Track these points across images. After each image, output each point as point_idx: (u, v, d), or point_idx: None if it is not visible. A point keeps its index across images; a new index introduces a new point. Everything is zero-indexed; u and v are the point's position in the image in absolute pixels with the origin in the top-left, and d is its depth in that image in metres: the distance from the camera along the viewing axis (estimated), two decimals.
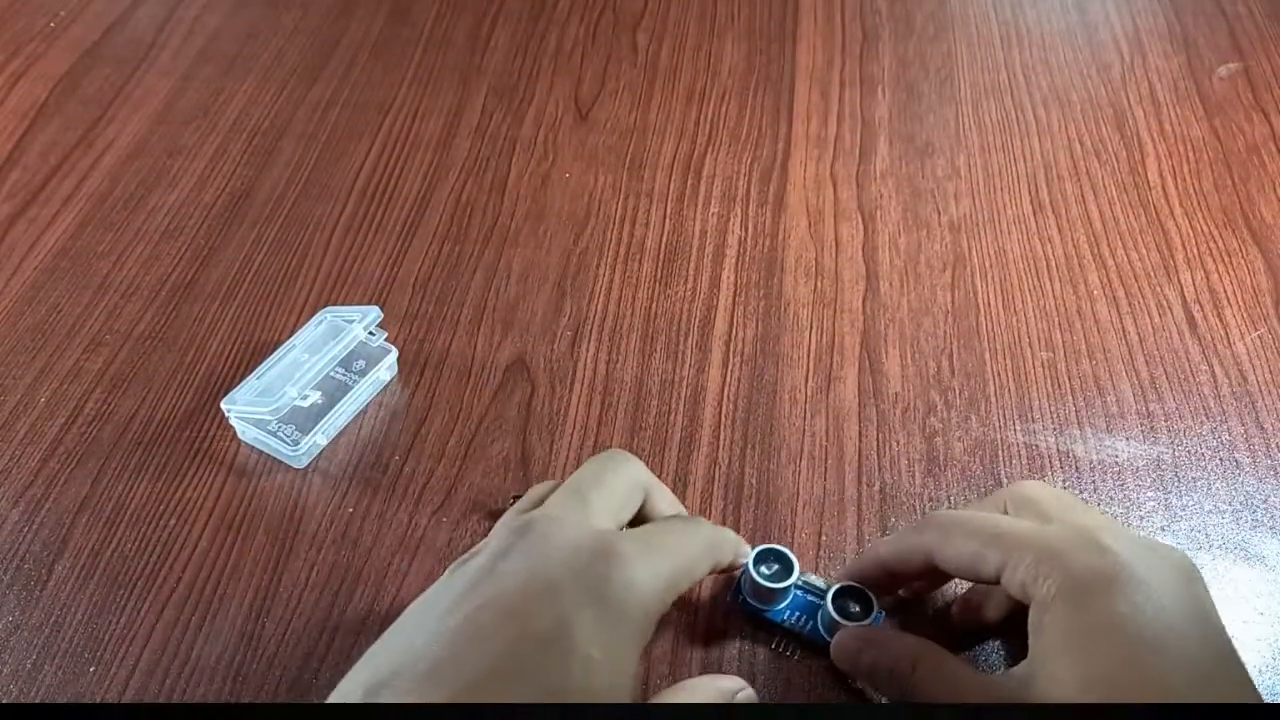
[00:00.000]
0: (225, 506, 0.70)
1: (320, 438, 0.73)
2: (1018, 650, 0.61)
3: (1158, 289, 0.84)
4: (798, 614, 0.58)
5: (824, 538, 0.68)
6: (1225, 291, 0.84)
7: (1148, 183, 0.93)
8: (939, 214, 0.90)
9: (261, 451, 0.73)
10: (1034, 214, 0.90)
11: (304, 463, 0.72)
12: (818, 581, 0.59)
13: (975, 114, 1.00)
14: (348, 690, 0.42)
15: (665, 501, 0.57)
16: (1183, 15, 1.12)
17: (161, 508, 0.69)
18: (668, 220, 0.89)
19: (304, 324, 0.77)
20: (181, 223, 0.89)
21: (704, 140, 0.97)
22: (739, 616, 0.62)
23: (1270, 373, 0.78)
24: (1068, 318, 0.82)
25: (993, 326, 0.81)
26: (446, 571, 0.49)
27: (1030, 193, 0.92)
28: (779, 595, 0.58)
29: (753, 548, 0.59)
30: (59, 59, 1.06)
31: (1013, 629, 0.55)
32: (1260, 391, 0.77)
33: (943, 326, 0.81)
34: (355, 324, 0.75)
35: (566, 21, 1.11)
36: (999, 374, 0.78)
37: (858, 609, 0.57)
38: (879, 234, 0.88)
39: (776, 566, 0.58)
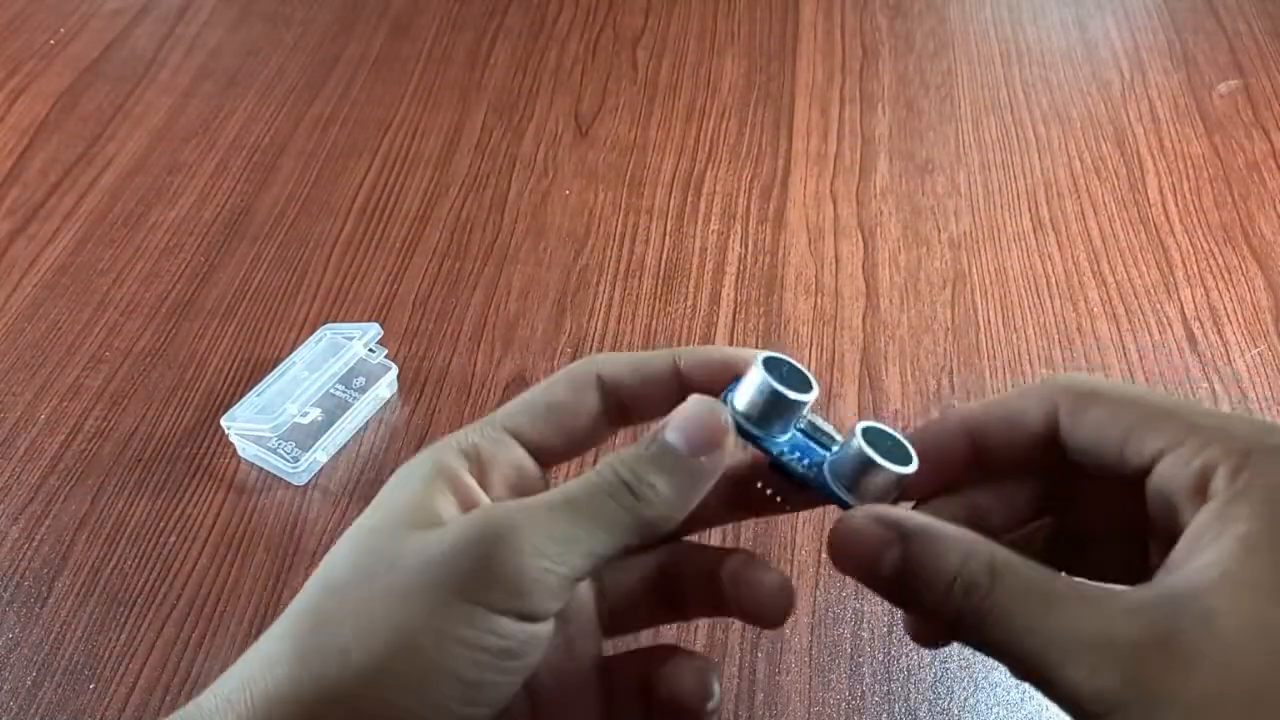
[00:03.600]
0: (225, 523, 0.69)
1: (320, 454, 0.73)
2: None
3: (1158, 306, 0.84)
4: (800, 455, 0.38)
5: (824, 555, 0.68)
6: (1225, 308, 0.84)
7: (1148, 200, 0.93)
8: (939, 231, 0.90)
9: (261, 468, 0.72)
10: (1034, 231, 0.90)
11: (304, 479, 0.72)
12: (829, 429, 0.39)
13: (975, 131, 1.00)
14: None
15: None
16: (1183, 32, 1.13)
17: (161, 525, 0.69)
18: (668, 237, 0.89)
19: (304, 341, 0.77)
20: (181, 240, 0.89)
21: (704, 157, 0.97)
22: None
23: (1270, 389, 0.78)
24: (1068, 335, 0.82)
25: (993, 344, 0.81)
26: None
27: (1030, 210, 0.92)
28: (785, 417, 0.38)
29: (759, 352, 0.38)
30: (59, 76, 1.06)
31: None
32: (1260, 408, 0.77)
33: (943, 344, 0.81)
34: (355, 341, 0.75)
35: (566, 39, 1.12)
36: (999, 391, 0.78)
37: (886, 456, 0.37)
38: (879, 251, 0.88)
39: (788, 378, 0.38)
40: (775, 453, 0.38)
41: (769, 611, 0.39)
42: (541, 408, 0.39)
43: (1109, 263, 0.87)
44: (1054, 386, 0.37)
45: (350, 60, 1.09)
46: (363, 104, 1.03)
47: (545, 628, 0.34)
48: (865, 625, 0.65)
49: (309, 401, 0.73)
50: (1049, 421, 0.36)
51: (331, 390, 0.75)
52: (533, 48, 1.10)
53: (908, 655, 0.63)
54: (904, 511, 0.35)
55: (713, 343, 0.80)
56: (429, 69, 1.07)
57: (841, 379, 0.78)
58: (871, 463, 0.36)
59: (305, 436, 0.72)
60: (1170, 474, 0.33)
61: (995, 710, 0.61)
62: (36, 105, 1.03)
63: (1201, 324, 0.83)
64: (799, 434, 0.39)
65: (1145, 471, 0.34)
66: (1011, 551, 0.33)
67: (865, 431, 0.36)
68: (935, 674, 0.63)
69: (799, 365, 0.38)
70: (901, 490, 0.37)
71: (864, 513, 0.35)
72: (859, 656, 0.63)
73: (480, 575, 0.32)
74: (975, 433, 0.38)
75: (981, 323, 0.82)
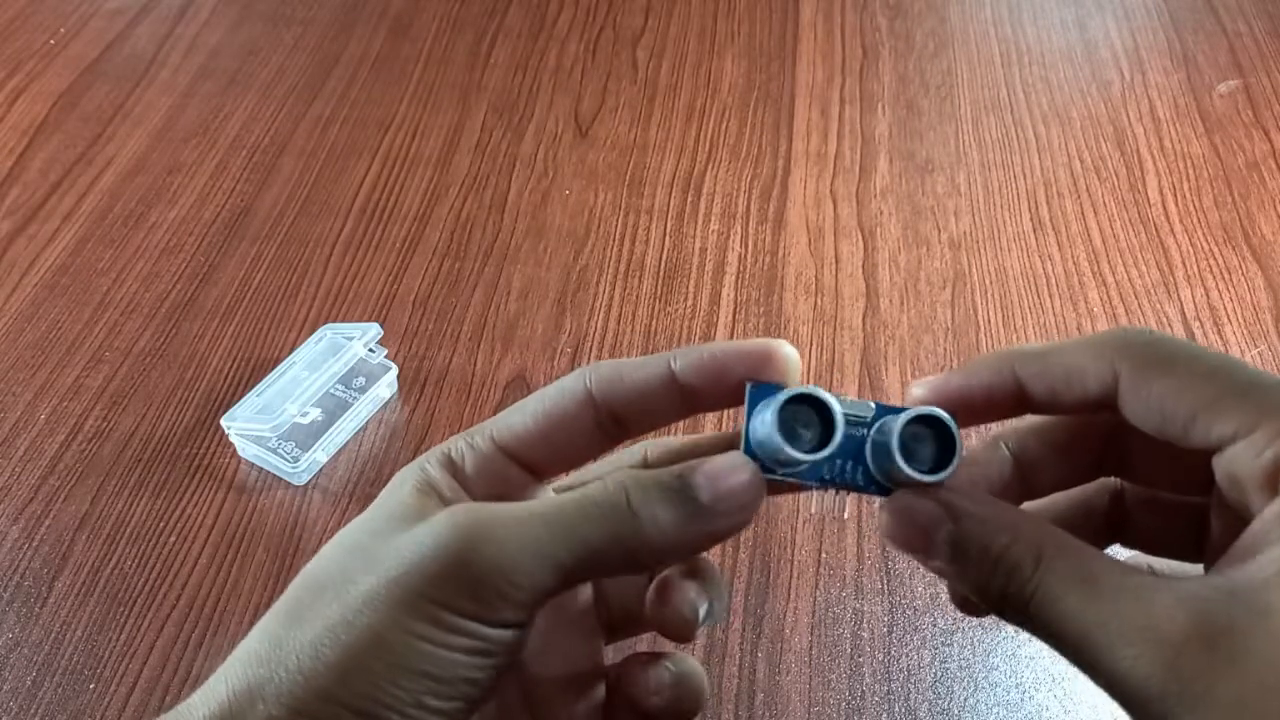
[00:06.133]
0: (225, 523, 0.69)
1: (320, 454, 0.73)
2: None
3: (1158, 306, 0.84)
4: (839, 462, 0.36)
5: (824, 555, 0.68)
6: (1225, 308, 0.84)
7: (1148, 200, 0.93)
8: (939, 231, 0.90)
9: (261, 468, 0.72)
10: (1034, 231, 0.90)
11: (304, 479, 0.72)
12: (858, 408, 0.36)
13: (975, 131, 1.00)
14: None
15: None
16: (1182, 32, 1.13)
17: (161, 524, 0.69)
18: (668, 237, 0.89)
19: (304, 341, 0.77)
20: (182, 240, 0.89)
21: (704, 157, 0.97)
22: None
23: None
24: (1068, 334, 0.82)
25: (993, 344, 0.81)
26: None
27: (1030, 210, 0.92)
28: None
29: (772, 398, 0.35)
30: (59, 76, 1.06)
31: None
32: None
33: (943, 344, 0.81)
34: (355, 341, 0.75)
35: (566, 39, 1.12)
36: None
37: (927, 457, 0.34)
38: (879, 251, 0.88)
39: (810, 429, 0.35)
40: (814, 483, 0.36)
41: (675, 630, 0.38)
42: (530, 420, 0.38)
43: (1109, 263, 0.87)
44: (1118, 347, 0.33)
45: (350, 60, 1.09)
46: (363, 104, 1.03)
47: (517, 631, 0.33)
48: (865, 625, 0.65)
49: (309, 401, 0.73)
50: (1108, 386, 0.33)
51: (331, 390, 0.75)
52: (533, 48, 1.10)
53: (908, 655, 0.63)
54: (954, 491, 0.34)
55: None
56: (429, 69, 1.07)
57: (841, 379, 0.78)
58: (907, 474, 0.34)
59: (305, 436, 0.72)
60: (1239, 461, 0.31)
61: (995, 710, 0.61)
62: (36, 105, 1.03)
63: (1201, 324, 0.83)
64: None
65: (1212, 450, 0.32)
66: (1062, 533, 0.32)
67: (905, 428, 0.34)
68: (935, 674, 0.63)
69: (819, 394, 0.34)
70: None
71: (914, 492, 0.34)
72: (859, 656, 0.63)
73: (447, 580, 0.32)
74: (1026, 380, 0.35)
75: (981, 323, 0.82)
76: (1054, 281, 0.86)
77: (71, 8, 1.15)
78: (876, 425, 0.36)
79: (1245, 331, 0.82)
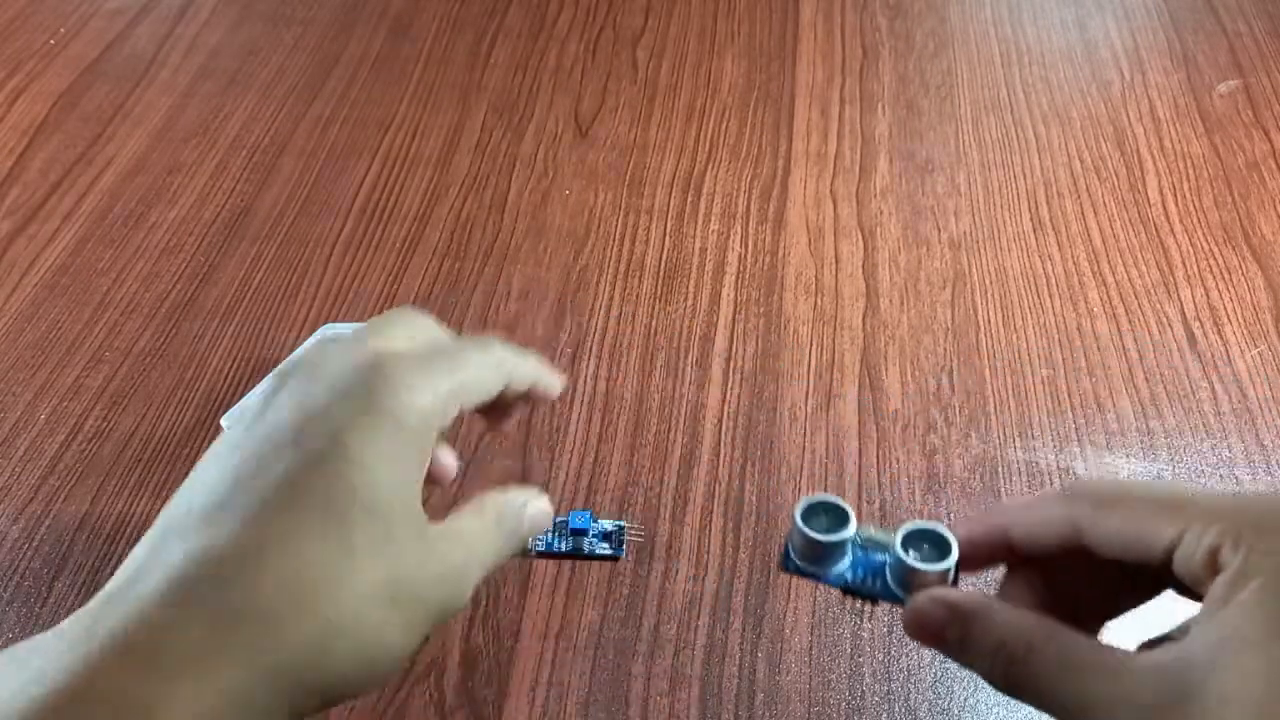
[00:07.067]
0: None
1: None
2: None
3: (1158, 306, 0.84)
4: (861, 573, 0.44)
5: None
6: (1225, 308, 0.84)
7: (1148, 200, 0.93)
8: (939, 231, 0.90)
9: None
10: (1034, 231, 0.90)
11: None
12: (880, 535, 0.44)
13: (975, 131, 1.00)
14: (143, 541, 0.40)
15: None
16: (1183, 32, 1.13)
17: None
18: (668, 237, 0.89)
19: (304, 341, 0.77)
20: (182, 240, 0.89)
21: (704, 157, 0.97)
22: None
23: (1270, 390, 0.78)
24: (1068, 335, 0.82)
25: (993, 344, 0.81)
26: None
27: (1030, 210, 0.92)
28: (835, 553, 0.44)
29: (800, 501, 0.44)
30: (59, 76, 1.06)
31: None
32: (1260, 408, 0.77)
33: (943, 344, 0.81)
34: None
35: (566, 39, 1.12)
36: (999, 391, 0.78)
37: (929, 550, 0.43)
38: (879, 251, 0.88)
39: (828, 519, 0.44)
40: (840, 584, 0.44)
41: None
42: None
43: (1109, 263, 0.87)
44: (1073, 498, 0.40)
45: (350, 60, 1.09)
46: (363, 104, 1.03)
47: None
48: (865, 625, 0.65)
49: None
50: (1072, 532, 0.40)
51: None
52: (532, 48, 1.10)
53: (908, 655, 0.63)
54: (962, 594, 0.40)
55: (713, 343, 0.80)
56: (429, 69, 1.07)
57: (841, 379, 0.78)
58: (915, 570, 0.41)
59: None
60: (1186, 561, 0.36)
61: (995, 710, 0.61)
62: (36, 105, 1.03)
63: (1201, 324, 0.83)
64: (858, 550, 0.44)
65: (1168, 561, 0.37)
66: (1051, 624, 0.38)
67: (905, 539, 0.42)
68: (935, 674, 0.63)
69: (835, 501, 0.43)
70: (956, 572, 0.43)
71: (929, 596, 0.40)
72: (859, 656, 0.63)
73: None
74: (1008, 538, 0.42)
75: (981, 323, 0.82)
76: (1054, 281, 0.86)
77: (71, 8, 1.15)
78: (889, 555, 0.43)
79: (1245, 331, 0.82)
